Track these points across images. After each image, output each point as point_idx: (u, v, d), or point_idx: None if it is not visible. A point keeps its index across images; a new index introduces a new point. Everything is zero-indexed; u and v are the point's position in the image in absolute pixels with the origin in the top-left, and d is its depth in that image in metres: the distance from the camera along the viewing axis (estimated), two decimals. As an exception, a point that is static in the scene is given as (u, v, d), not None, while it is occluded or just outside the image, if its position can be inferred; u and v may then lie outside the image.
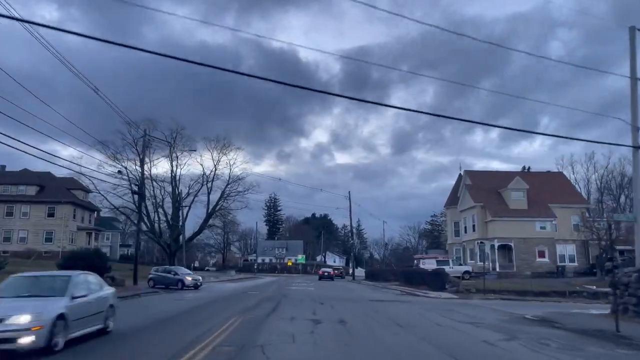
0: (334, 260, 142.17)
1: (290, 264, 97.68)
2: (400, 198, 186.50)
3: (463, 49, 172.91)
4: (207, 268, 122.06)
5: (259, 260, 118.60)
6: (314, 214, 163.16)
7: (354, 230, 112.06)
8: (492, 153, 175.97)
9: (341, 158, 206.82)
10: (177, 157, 74.91)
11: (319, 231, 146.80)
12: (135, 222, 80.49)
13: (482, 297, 30.42)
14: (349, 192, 65.35)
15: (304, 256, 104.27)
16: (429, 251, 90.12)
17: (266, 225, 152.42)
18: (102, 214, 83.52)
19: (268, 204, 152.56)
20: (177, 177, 75.21)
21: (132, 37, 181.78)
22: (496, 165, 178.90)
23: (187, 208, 77.20)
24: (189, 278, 36.43)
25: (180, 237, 77.27)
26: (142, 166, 69.83)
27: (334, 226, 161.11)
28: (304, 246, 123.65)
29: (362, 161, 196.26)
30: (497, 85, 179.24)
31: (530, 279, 41.32)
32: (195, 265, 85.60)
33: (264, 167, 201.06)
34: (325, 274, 68.06)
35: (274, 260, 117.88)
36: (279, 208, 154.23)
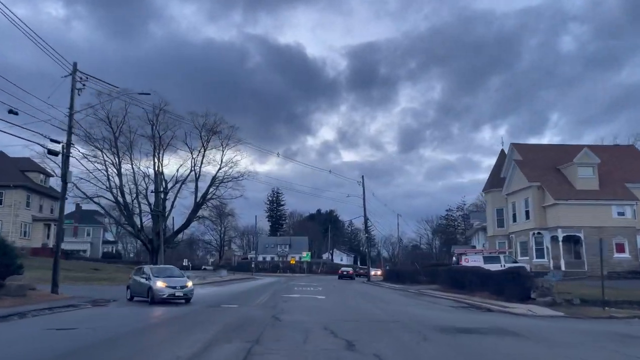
0: (341, 259, 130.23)
1: (294, 262, 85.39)
2: (406, 196, 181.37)
3: (472, 44, 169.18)
4: (204, 267, 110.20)
5: (260, 258, 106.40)
6: (319, 210, 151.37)
7: (364, 226, 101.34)
8: (499, 150, 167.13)
9: (347, 156, 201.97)
10: (159, 137, 63.17)
11: (325, 227, 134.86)
12: (116, 218, 69.23)
13: (607, 313, 18.14)
14: (362, 176, 52.91)
15: (309, 253, 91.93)
16: (454, 247, 77.67)
17: (268, 221, 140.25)
18: (83, 207, 71.39)
19: (270, 199, 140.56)
20: (160, 159, 63.21)
21: (138, 33, 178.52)
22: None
23: (172, 197, 65.29)
24: (162, 284, 21.35)
25: (166, 230, 65.18)
26: (115, 140, 58.08)
27: (340, 223, 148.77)
28: (309, 243, 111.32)
29: (369, 159, 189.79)
30: (507, 80, 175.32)
31: (607, 281, 28.90)
32: (185, 263, 73.31)
33: (270, 165, 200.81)
34: (345, 272, 65.46)
35: (275, 259, 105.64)
36: (282, 203, 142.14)
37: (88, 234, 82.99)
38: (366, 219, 58.98)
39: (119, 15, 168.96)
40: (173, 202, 65.26)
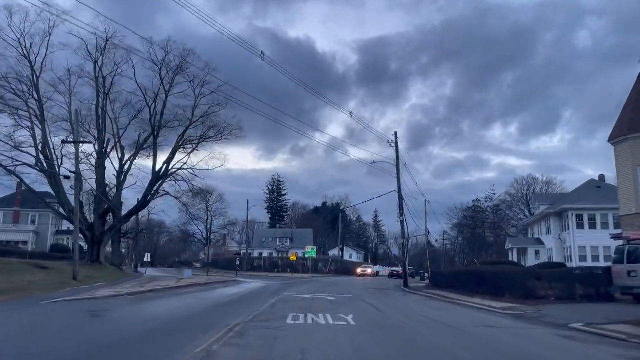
0: (350, 256, 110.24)
1: (295, 258, 65.10)
2: (410, 195, 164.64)
3: (486, 38, 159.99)
4: (194, 264, 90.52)
5: (255, 254, 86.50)
6: (324, 203, 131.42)
7: (399, 204, 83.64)
8: (510, 149, 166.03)
9: (355, 153, 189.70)
10: (103, 79, 43.51)
11: (331, 221, 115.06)
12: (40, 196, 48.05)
13: None
14: (395, 132, 32.59)
15: (315, 248, 71.87)
16: (510, 240, 57.43)
17: (267, 213, 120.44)
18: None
19: (270, 187, 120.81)
20: (102, 107, 43.60)
21: (146, 26, 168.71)
22: (513, 162, 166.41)
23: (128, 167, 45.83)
24: None
25: (116, 212, 45.89)
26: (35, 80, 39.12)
27: (347, 218, 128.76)
28: (314, 236, 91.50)
29: (376, 156, 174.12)
30: (520, 76, 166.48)
31: None
32: (147, 259, 53.57)
33: (277, 162, 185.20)
34: (395, 273, 60.12)
35: (274, 255, 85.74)
36: (283, 192, 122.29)
37: (32, 221, 63.40)
38: (400, 193, 39.11)
39: (127, 7, 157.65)
40: (126, 171, 45.59)
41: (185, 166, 45.71)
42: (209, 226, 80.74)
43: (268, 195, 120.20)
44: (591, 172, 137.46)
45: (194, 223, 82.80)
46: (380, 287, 35.37)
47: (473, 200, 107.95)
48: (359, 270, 66.51)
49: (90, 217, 44.73)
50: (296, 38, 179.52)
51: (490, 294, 22.74)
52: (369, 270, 67.10)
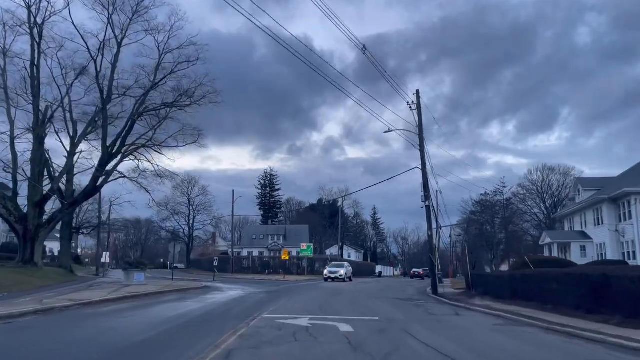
0: (348, 255, 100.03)
1: (287, 257, 54.00)
2: (410, 194, 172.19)
3: (486, 35, 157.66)
4: (175, 266, 79.92)
5: (244, 253, 76.15)
6: (320, 200, 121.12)
7: (422, 178, 72.94)
8: (507, 147, 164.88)
9: (352, 152, 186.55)
10: (38, 27, 33.34)
11: (329, 218, 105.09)
12: None
13: None
14: (417, 90, 21.77)
15: (311, 246, 61.45)
16: (546, 233, 47.23)
17: (260, 209, 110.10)
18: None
19: (262, 182, 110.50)
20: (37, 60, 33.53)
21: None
22: (510, 161, 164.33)
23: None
24: None
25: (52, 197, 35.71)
26: None
27: (344, 215, 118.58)
28: (310, 233, 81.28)
29: (374, 155, 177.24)
30: (519, 74, 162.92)
31: None
32: (105, 260, 43.16)
33: (274, 162, 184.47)
34: (416, 273, 55.26)
35: (265, 254, 75.35)
36: (276, 187, 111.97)
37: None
38: (425, 173, 29.03)
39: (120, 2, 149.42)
40: (76, 151, 35.18)
41: (149, 143, 35.64)
42: (191, 222, 70.23)
43: (260, 191, 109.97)
44: (588, 171, 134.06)
45: (174, 219, 72.38)
46: (405, 297, 25.19)
47: (481, 195, 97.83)
48: (325, 272, 41.80)
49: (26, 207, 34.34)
50: (294, 36, 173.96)
51: (603, 314, 12.80)
52: (341, 272, 40.27)
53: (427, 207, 29.58)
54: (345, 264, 41.04)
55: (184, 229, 73.50)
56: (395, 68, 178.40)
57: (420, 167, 30.31)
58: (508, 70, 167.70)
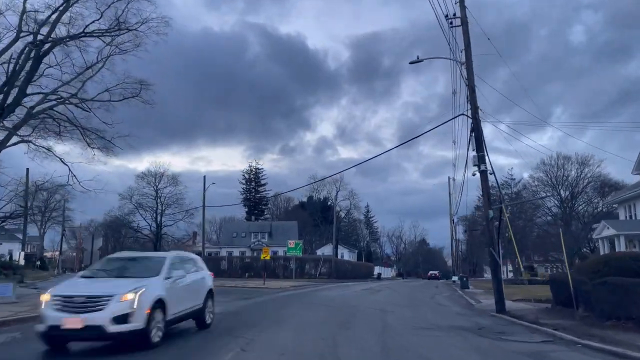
0: (341, 255, 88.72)
1: (267, 256, 38.73)
2: (402, 193, 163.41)
3: (480, 33, 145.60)
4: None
5: (223, 252, 64.22)
6: (310, 197, 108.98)
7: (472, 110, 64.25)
8: (499, 148, 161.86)
9: (345, 152, 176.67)
10: None
11: (322, 208, 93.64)
12: None
13: None
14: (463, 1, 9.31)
15: (300, 243, 49.48)
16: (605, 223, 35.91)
17: (244, 206, 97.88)
18: None
19: (246, 176, 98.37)
20: None
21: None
22: (502, 161, 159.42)
23: None
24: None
25: None
26: None
27: (338, 211, 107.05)
28: (299, 231, 69.59)
29: (366, 155, 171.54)
30: (513, 73, 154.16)
31: None
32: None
33: (265, 162, 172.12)
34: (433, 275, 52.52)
35: (247, 254, 63.48)
36: (262, 181, 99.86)
37: None
38: (477, 119, 17.87)
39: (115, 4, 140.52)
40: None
41: (74, 99, 24.04)
42: (159, 217, 58.15)
43: (244, 186, 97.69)
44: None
45: (139, 213, 60.28)
46: (466, 323, 13.55)
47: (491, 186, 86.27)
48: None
49: None
50: (287, 34, 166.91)
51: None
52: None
53: (483, 174, 18.31)
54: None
55: (151, 226, 61.46)
56: (390, 66, 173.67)
57: (468, 112, 19.05)
58: (501, 69, 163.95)
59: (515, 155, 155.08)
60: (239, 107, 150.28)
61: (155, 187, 57.80)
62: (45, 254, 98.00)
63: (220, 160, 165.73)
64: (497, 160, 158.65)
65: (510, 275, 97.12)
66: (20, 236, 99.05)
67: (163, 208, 58.86)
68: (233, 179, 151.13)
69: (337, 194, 75.64)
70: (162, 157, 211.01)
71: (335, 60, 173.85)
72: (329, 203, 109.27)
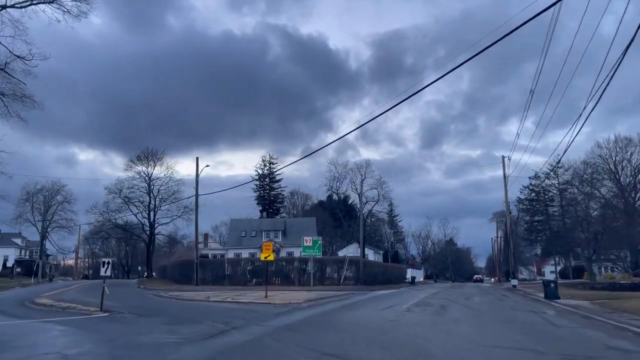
0: (366, 256, 77.48)
1: (270, 257, 23.06)
2: (424, 194, 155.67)
3: (507, 27, 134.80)
4: (145, 275, 58.02)
5: (230, 254, 53.63)
6: (330, 196, 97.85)
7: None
8: (526, 145, 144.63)
9: (367, 154, 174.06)
10: None
11: (344, 209, 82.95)
12: None
13: None
14: None
15: (318, 240, 38.25)
16: None
17: (258, 204, 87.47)
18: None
19: (259, 172, 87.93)
20: None
21: (156, 25, 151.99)
22: (527, 158, 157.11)
23: None
24: None
25: None
26: None
27: (356, 213, 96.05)
28: (317, 228, 58.67)
29: (387, 156, 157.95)
30: (540, 68, 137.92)
31: None
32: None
33: (284, 164, 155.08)
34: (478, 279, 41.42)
35: (258, 255, 52.94)
36: (277, 177, 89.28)
37: None
38: None
39: (136, 7, 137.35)
40: None
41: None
42: (152, 215, 47.67)
43: (257, 182, 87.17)
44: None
45: (130, 209, 49.93)
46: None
47: (530, 178, 74.05)
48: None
49: None
50: (308, 35, 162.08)
51: None
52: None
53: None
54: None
55: (143, 224, 51.14)
56: (412, 65, 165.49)
57: None
58: (529, 64, 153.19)
59: (544, 153, 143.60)
60: (260, 110, 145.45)
61: (147, 177, 47.76)
62: (50, 260, 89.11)
63: (242, 164, 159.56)
64: (523, 157, 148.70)
65: (551, 275, 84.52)
66: (18, 241, 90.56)
67: (156, 203, 48.54)
68: (252, 183, 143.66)
69: (362, 181, 64.33)
70: (184, 162, 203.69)
71: (356, 60, 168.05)
72: (351, 202, 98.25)
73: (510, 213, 48.03)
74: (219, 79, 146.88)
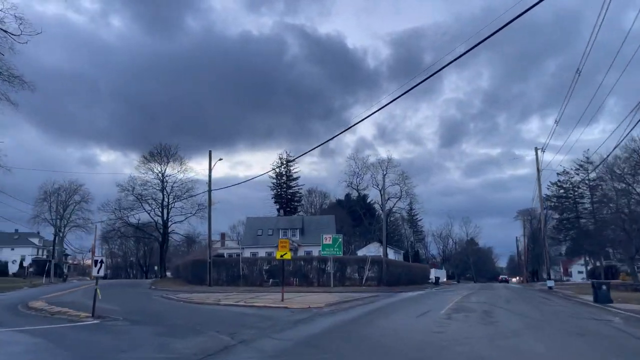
0: (386, 255, 74.51)
1: (287, 255, 21.31)
2: (443, 194, 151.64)
3: (528, 23, 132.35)
4: (164, 272, 56.32)
5: (247, 254, 51.49)
6: (348, 195, 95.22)
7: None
8: (548, 143, 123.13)
9: (385, 153, 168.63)
10: None
11: (363, 208, 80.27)
12: None
13: None
14: None
15: (339, 238, 35.80)
16: None
17: (275, 202, 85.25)
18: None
19: (276, 170, 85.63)
20: None
21: (175, 27, 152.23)
22: (549, 157, 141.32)
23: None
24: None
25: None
26: None
27: (376, 212, 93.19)
28: (336, 226, 56.11)
29: (406, 155, 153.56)
30: (562, 64, 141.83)
31: None
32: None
33: (303, 165, 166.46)
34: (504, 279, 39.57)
35: (273, 254, 50.75)
36: (294, 175, 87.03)
37: None
38: None
39: (155, 8, 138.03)
40: None
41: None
42: (165, 213, 45.74)
43: (274, 180, 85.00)
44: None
45: (143, 207, 48.17)
46: None
47: (558, 174, 70.05)
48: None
49: None
50: (326, 34, 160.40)
51: None
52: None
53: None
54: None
55: (156, 222, 49.31)
56: (431, 62, 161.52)
57: None
58: (550, 60, 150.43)
59: (565, 151, 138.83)
60: (278, 110, 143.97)
61: (160, 174, 45.93)
62: (70, 260, 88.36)
63: (260, 164, 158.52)
64: (544, 156, 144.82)
65: (581, 278, 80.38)
66: (35, 241, 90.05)
67: (170, 200, 46.64)
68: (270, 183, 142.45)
69: (384, 176, 61.60)
70: (203, 163, 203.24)
71: (374, 59, 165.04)
72: (369, 200, 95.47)
73: (543, 210, 44.70)
74: (237, 80, 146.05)
